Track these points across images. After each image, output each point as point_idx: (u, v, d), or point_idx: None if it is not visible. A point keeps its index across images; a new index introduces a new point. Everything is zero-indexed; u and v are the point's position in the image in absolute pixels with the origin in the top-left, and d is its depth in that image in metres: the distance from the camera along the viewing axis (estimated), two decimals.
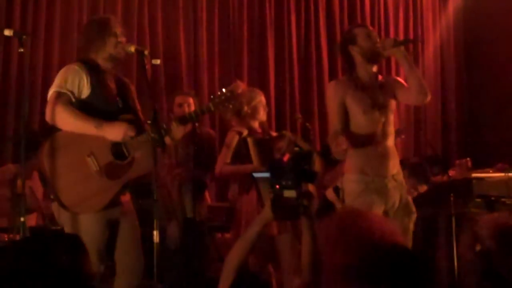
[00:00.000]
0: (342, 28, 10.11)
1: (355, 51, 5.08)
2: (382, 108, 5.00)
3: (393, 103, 5.13)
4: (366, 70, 5.07)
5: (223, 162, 6.09)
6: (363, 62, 5.07)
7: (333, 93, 5.10)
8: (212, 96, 4.91)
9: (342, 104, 5.02)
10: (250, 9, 9.57)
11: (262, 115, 6.21)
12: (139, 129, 4.59)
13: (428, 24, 10.90)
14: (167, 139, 4.68)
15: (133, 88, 5.00)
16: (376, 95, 5.01)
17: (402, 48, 4.93)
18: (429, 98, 5.04)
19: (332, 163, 6.25)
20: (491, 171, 7.59)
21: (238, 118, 6.13)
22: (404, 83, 5.11)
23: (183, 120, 4.77)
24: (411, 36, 10.66)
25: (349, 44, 5.10)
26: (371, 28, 5.27)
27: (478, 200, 7.11)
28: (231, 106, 4.93)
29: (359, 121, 4.97)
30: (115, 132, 4.49)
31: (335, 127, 5.02)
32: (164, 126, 4.65)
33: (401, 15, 10.69)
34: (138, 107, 4.87)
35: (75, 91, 4.53)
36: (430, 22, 10.91)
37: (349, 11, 10.29)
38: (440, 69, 10.87)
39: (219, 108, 4.88)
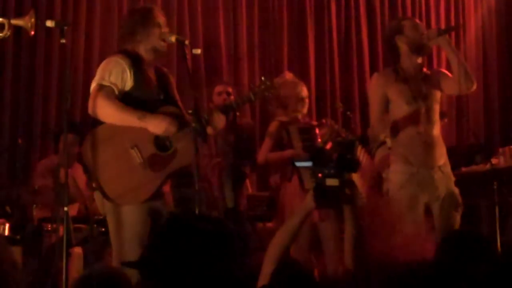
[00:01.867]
0: (382, 18, 10.04)
1: (401, 41, 5.07)
2: (426, 98, 4.97)
3: (437, 93, 5.10)
4: (411, 61, 5.05)
5: (266, 151, 6.10)
6: (408, 53, 5.05)
7: (375, 85, 5.11)
8: (251, 86, 4.91)
9: (384, 96, 5.02)
10: None
11: (303, 106, 6.21)
12: (181, 122, 4.59)
13: (469, 11, 10.76)
14: (209, 129, 4.69)
15: (172, 79, 5.00)
16: (419, 86, 4.99)
17: (447, 36, 4.90)
18: (474, 86, 5.02)
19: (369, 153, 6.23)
20: None
21: (282, 109, 6.13)
22: (449, 74, 5.07)
23: (224, 109, 4.77)
24: (452, 24, 10.54)
25: (396, 34, 5.09)
26: (418, 21, 5.27)
27: None
28: (270, 95, 4.93)
29: (402, 112, 4.95)
30: (157, 125, 4.49)
31: (375, 120, 5.03)
32: (206, 116, 4.66)
33: (442, 3, 10.57)
34: (178, 98, 4.87)
35: (118, 83, 4.53)
36: (472, 9, 10.77)
37: (389, 1, 10.19)
38: (482, 55, 10.72)
39: (258, 97, 4.88)
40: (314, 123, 6.31)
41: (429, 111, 4.98)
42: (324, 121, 6.26)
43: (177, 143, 4.57)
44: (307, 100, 6.25)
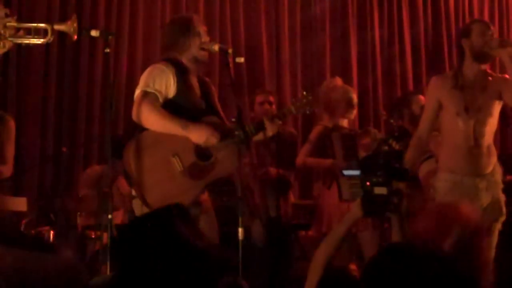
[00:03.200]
0: (425, 24, 9.99)
1: (466, 45, 5.03)
2: (479, 111, 4.89)
3: (494, 105, 5.02)
4: (472, 68, 5.00)
5: (306, 154, 6.09)
6: (470, 59, 5.00)
7: (430, 90, 5.12)
8: (293, 100, 4.92)
9: (437, 102, 5.01)
10: (332, 5, 9.50)
11: (351, 113, 6.19)
12: (223, 132, 4.60)
13: None
14: (260, 135, 4.71)
15: (214, 88, 5.01)
16: (475, 96, 4.92)
17: (509, 49, 4.83)
18: None
19: None
20: None
21: (328, 113, 6.12)
22: None
23: (273, 118, 4.76)
24: (497, 34, 10.42)
25: (463, 37, 5.07)
26: (489, 24, 5.17)
27: None
28: (312, 111, 4.95)
29: (452, 120, 4.90)
30: (199, 134, 4.51)
31: (424, 130, 5.00)
32: (251, 127, 4.67)
33: (486, 13, 10.48)
34: (219, 107, 4.89)
35: (163, 90, 4.56)
36: None
37: (432, 6, 10.13)
38: None
39: (300, 111, 4.90)
40: (358, 131, 6.28)
41: (480, 123, 4.90)
42: (368, 128, 6.24)
43: (218, 153, 4.58)
44: (356, 107, 6.24)
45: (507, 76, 5.21)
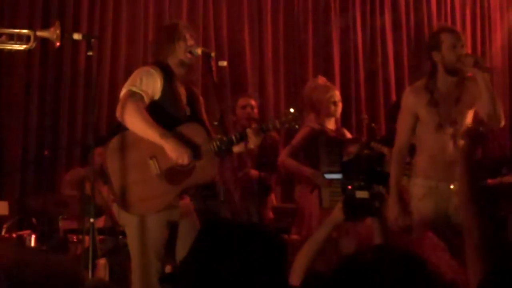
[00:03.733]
0: (408, 27, 10.03)
1: (438, 58, 4.92)
2: (454, 124, 4.87)
3: (469, 115, 4.99)
4: (446, 81, 4.93)
5: (289, 153, 6.07)
6: (443, 72, 4.92)
7: (406, 103, 5.02)
8: (279, 115, 4.92)
9: (414, 115, 4.95)
10: (315, 10, 9.53)
11: (336, 111, 6.17)
12: (200, 145, 4.59)
13: (495, 20, 10.71)
14: (240, 147, 4.70)
15: (201, 98, 5.01)
16: (449, 110, 4.87)
17: (484, 73, 4.78)
18: (502, 123, 4.90)
19: None
20: None
21: (314, 113, 6.11)
22: None
23: (258, 131, 4.73)
24: (479, 37, 10.50)
25: (433, 50, 4.94)
26: (460, 36, 5.01)
27: None
28: (297, 127, 4.93)
29: (429, 134, 4.89)
30: (173, 150, 4.48)
31: (401, 141, 5.00)
32: (238, 133, 4.66)
33: (468, 14, 10.53)
34: (205, 118, 4.89)
35: (149, 91, 4.56)
36: (498, 21, 10.72)
37: (414, 7, 10.17)
38: (508, 68, 10.67)
39: (284, 127, 4.88)
40: (347, 136, 6.26)
41: (456, 135, 4.90)
42: (356, 137, 6.25)
43: (197, 160, 4.57)
44: (340, 104, 6.22)
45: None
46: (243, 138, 4.68)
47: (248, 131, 4.69)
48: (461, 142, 3.05)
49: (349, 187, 3.05)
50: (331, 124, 6.16)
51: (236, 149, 4.75)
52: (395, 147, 5.06)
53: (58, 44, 4.40)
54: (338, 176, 3.04)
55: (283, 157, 6.15)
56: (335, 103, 6.16)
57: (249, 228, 2.36)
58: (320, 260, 5.56)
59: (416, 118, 4.95)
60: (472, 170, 3.00)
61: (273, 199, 7.33)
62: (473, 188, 2.96)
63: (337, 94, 6.22)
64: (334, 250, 5.82)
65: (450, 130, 4.85)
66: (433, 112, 4.87)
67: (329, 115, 6.15)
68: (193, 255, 2.30)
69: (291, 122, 4.83)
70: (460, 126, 4.91)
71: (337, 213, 3.12)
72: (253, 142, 4.68)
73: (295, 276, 3.06)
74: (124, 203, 4.51)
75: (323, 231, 3.18)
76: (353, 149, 5.90)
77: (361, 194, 3.04)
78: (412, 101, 4.97)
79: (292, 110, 4.86)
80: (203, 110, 4.90)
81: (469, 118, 5.00)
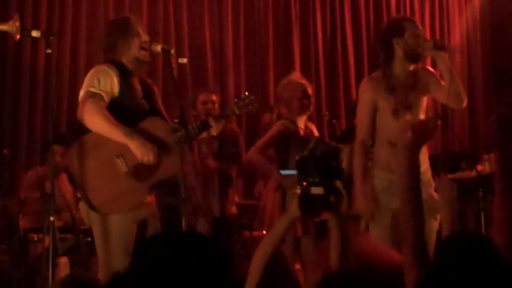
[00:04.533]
0: (367, 24, 10.10)
1: (398, 45, 4.94)
2: (410, 109, 4.91)
3: (424, 101, 5.03)
4: (403, 68, 4.95)
5: (257, 150, 6.03)
6: (402, 59, 4.94)
7: (364, 92, 5.03)
8: (236, 100, 4.93)
9: (373, 104, 4.95)
10: (275, 5, 9.56)
11: (307, 108, 6.12)
12: (163, 147, 4.58)
13: (454, 18, 10.82)
14: (204, 134, 4.72)
15: (156, 89, 5.00)
16: (407, 96, 4.89)
17: (442, 52, 4.85)
18: (464, 104, 4.97)
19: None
20: None
21: (287, 110, 6.08)
22: (441, 81, 5.02)
23: (218, 118, 4.77)
24: (438, 32, 10.61)
25: (395, 36, 4.95)
26: (419, 25, 5.10)
27: None
28: (254, 110, 4.96)
29: (388, 121, 4.91)
30: (138, 148, 4.47)
31: (362, 133, 5.01)
32: (199, 123, 4.67)
33: (427, 12, 10.63)
34: (163, 108, 4.88)
35: (108, 90, 4.53)
36: (457, 18, 10.83)
37: (374, 5, 10.24)
38: (467, 65, 10.79)
39: (242, 111, 4.91)
40: (314, 132, 6.26)
41: (412, 120, 4.92)
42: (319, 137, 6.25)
43: (162, 154, 4.57)
44: (311, 100, 6.17)
45: (431, 69, 5.26)
46: (205, 127, 4.70)
47: (210, 118, 4.72)
48: (407, 136, 3.07)
49: (304, 183, 3.05)
50: (302, 121, 6.12)
51: (204, 135, 4.77)
52: (357, 139, 5.06)
53: (18, 37, 4.37)
54: (293, 172, 3.05)
55: (252, 153, 6.10)
56: (306, 101, 6.08)
57: (188, 238, 2.37)
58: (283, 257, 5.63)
59: (375, 108, 4.97)
60: (413, 167, 3.03)
61: (236, 194, 7.35)
62: (412, 186, 2.99)
63: (307, 90, 6.13)
64: (296, 249, 5.86)
65: (407, 117, 4.87)
66: (390, 98, 4.89)
67: (301, 112, 6.10)
68: (133, 267, 2.30)
69: (248, 106, 4.86)
70: (416, 113, 4.94)
71: (293, 209, 3.12)
72: (215, 129, 4.71)
73: (254, 272, 3.07)
74: (93, 203, 4.48)
75: (280, 227, 3.18)
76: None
77: (316, 190, 3.03)
78: (369, 89, 4.99)
79: (247, 94, 4.89)
80: (159, 102, 4.90)
81: (423, 108, 5.03)
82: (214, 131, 4.76)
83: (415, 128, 3.08)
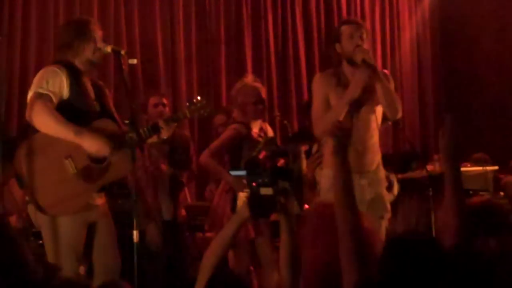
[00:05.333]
0: (318, 25, 10.16)
1: (339, 50, 5.02)
2: (360, 107, 4.93)
3: (375, 102, 5.03)
4: (350, 70, 4.99)
5: (209, 154, 6.00)
6: (345, 63, 5.01)
7: (317, 87, 5.04)
8: (188, 103, 4.94)
9: (326, 98, 4.96)
10: (227, 7, 9.57)
11: (261, 112, 6.09)
12: (117, 140, 4.57)
13: (404, 21, 10.94)
14: (154, 137, 4.71)
15: (108, 91, 4.98)
16: (358, 94, 4.92)
17: (369, 70, 4.82)
18: (399, 114, 4.98)
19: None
20: (469, 165, 7.62)
21: (242, 114, 6.05)
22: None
23: (169, 121, 4.76)
24: (388, 33, 10.71)
25: (335, 42, 5.05)
26: (360, 23, 5.14)
27: None
28: (206, 114, 4.97)
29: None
30: (91, 144, 4.45)
31: (318, 117, 4.98)
32: (146, 128, 4.66)
33: (377, 13, 10.72)
34: (114, 110, 4.86)
35: (56, 91, 4.49)
36: (406, 19, 10.95)
37: (325, 8, 10.31)
38: (417, 65, 10.92)
39: (193, 115, 4.92)
40: (268, 133, 6.25)
41: (363, 119, 4.95)
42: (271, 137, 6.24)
43: (112, 156, 4.55)
44: (265, 104, 6.14)
45: (386, 71, 5.29)
46: (155, 130, 4.70)
47: (160, 121, 4.72)
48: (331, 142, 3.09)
49: (254, 184, 3.07)
50: (257, 125, 6.09)
51: (150, 139, 4.75)
52: (314, 118, 5.01)
53: None
54: (242, 173, 3.05)
55: (205, 157, 6.07)
56: (257, 104, 6.05)
57: None
58: (237, 259, 5.64)
59: (327, 102, 4.98)
60: (344, 171, 3.05)
61: (188, 197, 7.33)
62: (345, 189, 3.02)
63: (260, 94, 6.09)
64: (252, 250, 5.87)
65: (355, 115, 4.88)
66: (341, 94, 4.90)
67: (255, 117, 6.07)
68: None
69: (199, 110, 4.87)
70: (366, 112, 4.95)
71: (243, 210, 3.14)
72: (165, 132, 4.71)
73: (204, 273, 3.07)
74: (41, 205, 4.44)
75: (229, 228, 3.20)
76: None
77: (265, 191, 3.05)
78: (322, 82, 5.01)
79: (199, 98, 4.89)
80: (111, 104, 4.88)
81: (374, 108, 5.04)
82: (164, 134, 4.75)
83: (334, 131, 3.09)
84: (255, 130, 6.05)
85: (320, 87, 5.02)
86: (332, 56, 5.13)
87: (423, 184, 7.01)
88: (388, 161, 7.11)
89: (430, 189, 6.69)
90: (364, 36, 5.03)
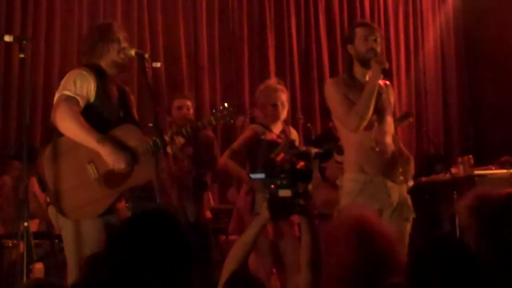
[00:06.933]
0: (342, 28, 10.13)
1: (352, 51, 4.99)
2: (379, 110, 4.91)
3: (390, 106, 5.04)
4: (362, 73, 4.97)
5: (229, 155, 6.03)
6: (358, 64, 4.98)
7: (335, 87, 4.98)
8: (214, 110, 4.92)
9: (346, 95, 4.92)
10: (250, 10, 9.58)
11: (280, 113, 6.12)
12: (139, 145, 4.57)
13: (428, 22, 10.90)
14: (168, 149, 4.70)
15: (132, 97, 4.98)
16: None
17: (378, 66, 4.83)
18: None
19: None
20: (493, 168, 7.58)
21: (262, 114, 6.08)
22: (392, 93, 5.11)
23: (185, 133, 4.74)
24: (412, 34, 10.68)
25: (348, 43, 5.02)
26: (374, 27, 5.12)
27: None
28: (232, 121, 4.95)
29: None
30: (110, 156, 4.45)
31: (346, 113, 4.87)
32: (169, 135, 4.65)
33: (400, 14, 10.70)
34: (136, 117, 4.87)
35: (84, 95, 4.50)
36: (430, 21, 10.92)
37: (348, 11, 10.30)
38: (441, 67, 10.87)
39: (219, 122, 4.89)
40: (291, 135, 6.25)
41: (382, 122, 4.92)
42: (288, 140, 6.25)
43: (134, 163, 4.55)
44: (285, 105, 6.15)
45: (387, 82, 5.24)
46: (182, 135, 4.69)
47: (183, 129, 4.71)
48: None
49: (272, 186, 3.06)
50: (277, 127, 6.11)
51: (168, 149, 4.74)
52: (348, 112, 4.89)
53: None
54: (261, 175, 3.06)
55: (224, 158, 6.11)
56: (276, 105, 6.06)
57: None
58: (261, 262, 5.64)
59: (349, 98, 4.94)
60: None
61: (211, 199, 7.34)
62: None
63: (280, 96, 6.10)
64: (274, 250, 5.86)
65: (375, 116, 4.86)
66: (356, 97, 4.87)
67: (274, 118, 6.09)
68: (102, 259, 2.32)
69: (226, 117, 4.85)
70: (382, 114, 4.93)
71: (263, 213, 3.14)
72: (178, 142, 4.71)
73: (225, 276, 3.08)
74: (62, 208, 4.44)
75: (251, 231, 3.19)
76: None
77: (284, 193, 3.05)
78: (337, 84, 4.95)
79: (226, 105, 4.87)
80: (135, 110, 4.88)
81: (390, 111, 5.02)
82: (176, 146, 4.75)
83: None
84: (275, 131, 6.06)
85: (336, 88, 4.98)
86: (346, 56, 5.12)
87: (447, 187, 6.99)
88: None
89: (454, 192, 6.67)
90: (379, 40, 5.02)
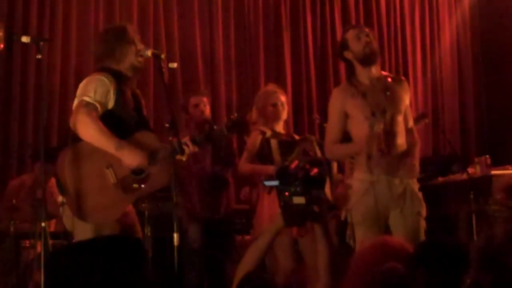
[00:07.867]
0: None
1: (350, 56, 5.00)
2: (385, 112, 4.89)
3: (400, 104, 5.00)
4: (365, 74, 4.97)
5: (244, 160, 6.06)
6: (359, 66, 4.98)
7: (333, 101, 5.04)
8: (225, 121, 4.93)
9: (342, 112, 4.93)
10: (266, 10, 9.58)
11: (281, 113, 6.16)
12: (153, 156, 4.57)
13: (444, 21, 10.86)
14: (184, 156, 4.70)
15: (143, 101, 4.98)
16: (378, 100, 4.87)
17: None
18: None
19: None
20: (510, 168, 7.55)
21: (263, 119, 6.10)
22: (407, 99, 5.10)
23: (196, 141, 4.73)
24: (428, 33, 10.65)
25: (344, 50, 5.04)
26: (363, 28, 5.15)
27: (498, 197, 7.07)
28: (244, 131, 4.97)
29: (362, 126, 4.87)
30: (131, 160, 4.46)
31: (330, 142, 5.02)
32: (185, 142, 4.64)
33: (417, 13, 10.66)
34: (148, 120, 4.88)
35: (103, 102, 4.50)
36: (446, 20, 10.87)
37: (364, 10, 10.28)
38: (457, 66, 10.82)
39: (231, 131, 4.90)
40: (296, 137, 6.28)
41: (391, 124, 4.91)
42: (307, 136, 6.26)
43: (151, 168, 4.55)
44: (285, 107, 6.18)
45: (403, 78, 5.30)
46: (196, 143, 4.68)
47: (196, 137, 4.70)
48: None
49: (286, 193, 3.05)
50: (280, 128, 6.14)
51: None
52: (327, 142, 5.07)
53: (2, 46, 4.33)
54: (275, 182, 3.04)
55: (242, 166, 6.12)
56: (276, 107, 6.09)
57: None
58: (282, 258, 5.63)
59: (345, 115, 4.96)
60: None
61: (231, 201, 7.37)
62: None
63: (279, 97, 6.15)
64: (296, 248, 5.86)
65: (381, 120, 4.84)
66: (361, 102, 4.88)
67: (275, 118, 6.11)
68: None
69: (237, 126, 4.86)
70: (392, 115, 4.91)
71: (278, 220, 3.13)
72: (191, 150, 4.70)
73: (236, 279, 3.07)
74: (81, 212, 4.46)
75: (265, 237, 3.19)
76: (305, 147, 5.92)
77: (298, 200, 3.04)
78: (339, 96, 5.00)
79: (237, 115, 4.89)
80: (145, 114, 4.89)
81: (400, 110, 5.00)
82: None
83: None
84: (279, 131, 6.09)
85: (335, 103, 5.02)
86: (345, 64, 5.15)
87: (464, 187, 6.96)
88: (429, 164, 7.11)
89: (472, 192, 6.65)
90: (371, 36, 5.05)
